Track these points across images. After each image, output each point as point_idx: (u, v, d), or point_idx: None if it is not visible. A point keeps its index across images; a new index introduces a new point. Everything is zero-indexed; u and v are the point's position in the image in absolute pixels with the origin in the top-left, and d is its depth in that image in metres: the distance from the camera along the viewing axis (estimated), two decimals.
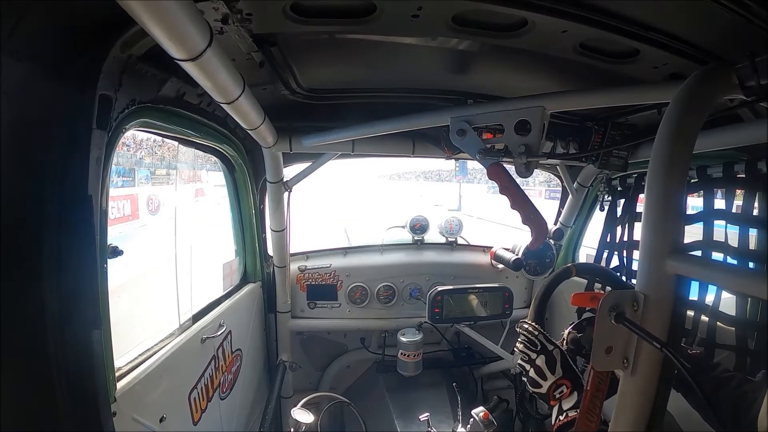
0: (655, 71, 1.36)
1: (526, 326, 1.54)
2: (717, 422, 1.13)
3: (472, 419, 2.04)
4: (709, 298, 1.84)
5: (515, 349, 1.56)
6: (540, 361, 1.46)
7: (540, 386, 1.44)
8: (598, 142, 1.96)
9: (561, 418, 1.35)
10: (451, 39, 1.33)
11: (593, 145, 1.96)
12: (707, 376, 1.26)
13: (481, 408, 2.06)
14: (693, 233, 1.78)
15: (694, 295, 1.86)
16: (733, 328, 1.74)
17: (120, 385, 1.36)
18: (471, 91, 1.83)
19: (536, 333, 1.51)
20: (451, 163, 2.49)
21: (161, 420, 1.57)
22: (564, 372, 1.43)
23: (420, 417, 2.25)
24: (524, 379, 1.50)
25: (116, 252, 1.36)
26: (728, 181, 1.77)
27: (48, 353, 0.97)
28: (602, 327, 0.85)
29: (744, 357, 1.69)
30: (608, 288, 2.03)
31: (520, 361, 1.52)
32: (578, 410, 1.24)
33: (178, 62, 0.94)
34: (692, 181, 1.89)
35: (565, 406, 1.37)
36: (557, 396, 1.40)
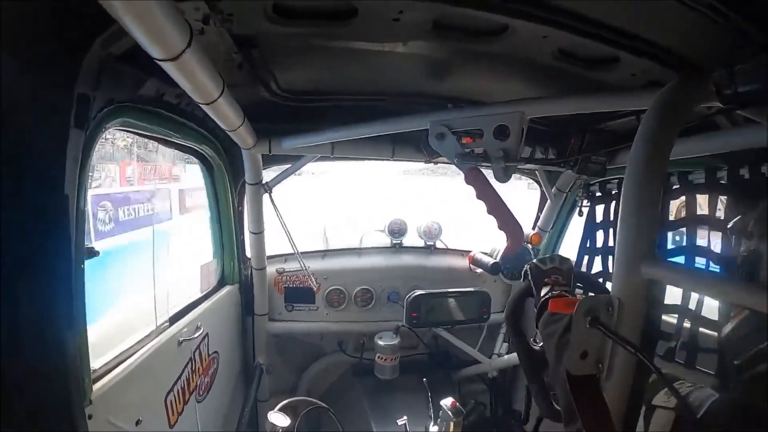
0: (634, 78, 1.37)
1: None
2: None
3: (441, 410, 2.06)
4: (693, 303, 1.84)
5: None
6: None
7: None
8: (576, 148, 1.98)
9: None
10: (432, 43, 1.34)
11: (572, 151, 1.98)
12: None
13: (449, 398, 2.09)
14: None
15: (677, 300, 1.87)
16: (716, 333, 1.76)
17: (96, 387, 1.34)
18: (451, 95, 1.84)
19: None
20: None
21: (137, 423, 1.55)
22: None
23: (398, 421, 2.25)
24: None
25: (92, 253, 1.34)
26: (710, 188, 1.79)
27: (23, 355, 0.95)
28: (578, 332, 0.86)
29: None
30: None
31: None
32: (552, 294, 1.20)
33: (158, 62, 0.94)
34: (674, 187, 1.91)
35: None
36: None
